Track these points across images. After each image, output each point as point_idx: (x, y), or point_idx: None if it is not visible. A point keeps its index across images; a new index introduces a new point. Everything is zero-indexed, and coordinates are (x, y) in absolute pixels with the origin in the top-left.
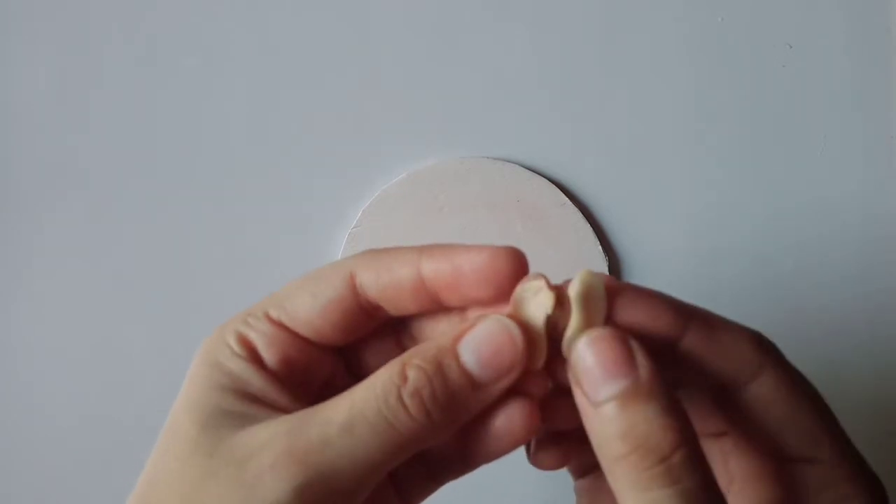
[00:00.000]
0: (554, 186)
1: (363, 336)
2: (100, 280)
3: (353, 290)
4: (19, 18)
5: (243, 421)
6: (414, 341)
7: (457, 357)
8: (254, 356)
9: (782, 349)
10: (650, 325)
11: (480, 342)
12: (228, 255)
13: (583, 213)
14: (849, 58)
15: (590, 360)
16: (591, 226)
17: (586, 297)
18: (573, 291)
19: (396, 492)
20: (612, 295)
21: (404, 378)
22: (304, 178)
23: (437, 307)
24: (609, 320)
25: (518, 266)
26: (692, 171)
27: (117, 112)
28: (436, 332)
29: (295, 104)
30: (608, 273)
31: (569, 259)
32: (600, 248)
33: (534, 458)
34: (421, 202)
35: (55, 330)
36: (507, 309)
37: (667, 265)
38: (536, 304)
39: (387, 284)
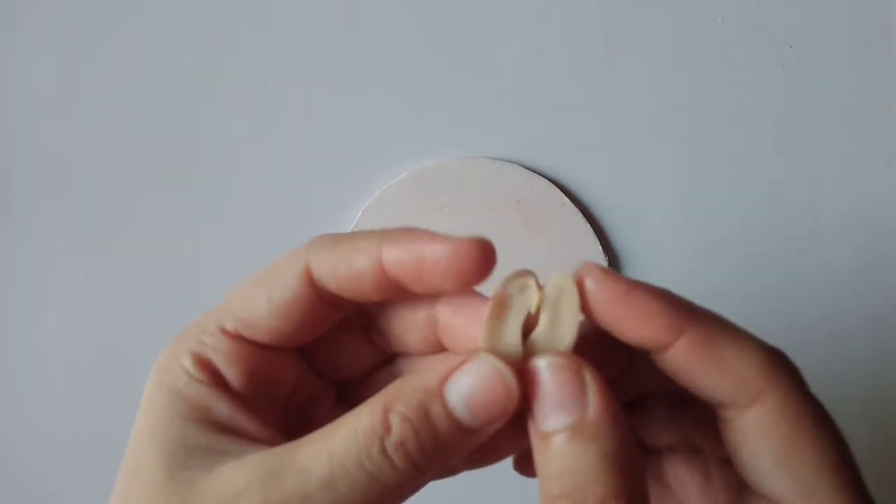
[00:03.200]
0: (554, 186)
1: (328, 328)
2: (100, 280)
3: (311, 285)
4: (19, 18)
5: (213, 458)
6: (381, 334)
7: (445, 403)
8: (215, 378)
9: (781, 348)
10: (637, 326)
11: (471, 390)
12: (229, 254)
13: (583, 212)
14: (849, 58)
15: (541, 386)
16: (591, 226)
17: (556, 303)
18: (547, 293)
19: None
20: (583, 286)
21: (387, 427)
22: (304, 178)
23: (403, 294)
24: (587, 319)
25: (486, 259)
26: (692, 172)
27: (117, 112)
28: (405, 327)
29: (295, 104)
30: None
31: (568, 259)
32: (600, 247)
33: (517, 465)
34: (421, 202)
35: (55, 330)
36: (486, 311)
37: (666, 265)
38: (520, 305)
39: (346, 276)
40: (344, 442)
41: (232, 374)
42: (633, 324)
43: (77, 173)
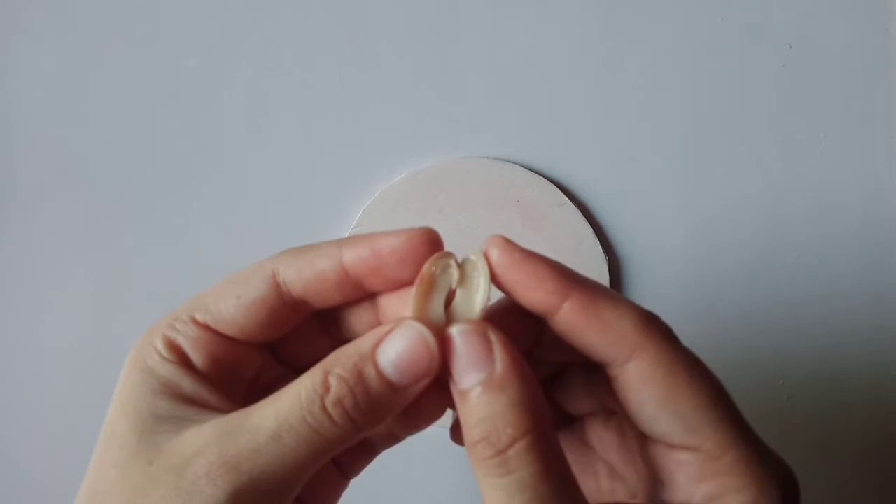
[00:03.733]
0: (554, 186)
1: (290, 330)
2: (100, 280)
3: (276, 287)
4: (20, 18)
5: (178, 424)
6: (340, 331)
7: (376, 365)
8: (182, 359)
9: (781, 348)
10: (530, 289)
11: (398, 351)
12: (229, 255)
13: (582, 212)
14: (849, 58)
15: (456, 350)
16: (591, 225)
17: (468, 277)
18: (464, 266)
19: (336, 467)
20: (489, 257)
21: (326, 387)
22: (304, 179)
23: (362, 294)
24: (494, 286)
25: (434, 245)
26: (692, 171)
27: (118, 113)
28: (361, 323)
29: (295, 104)
30: (607, 272)
31: (568, 258)
32: (600, 247)
33: (453, 435)
34: (421, 202)
35: (55, 330)
36: (414, 289)
37: (666, 264)
38: (443, 281)
39: (310, 278)
40: (288, 402)
41: (197, 358)
42: (527, 287)
43: (77, 173)
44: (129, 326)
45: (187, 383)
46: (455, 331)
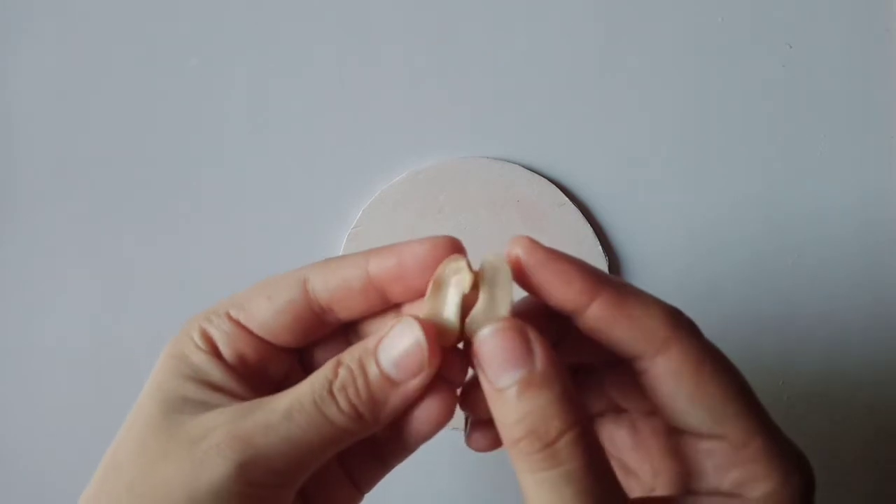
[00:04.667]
0: (554, 186)
1: (317, 339)
2: (100, 280)
3: (306, 294)
4: (20, 19)
5: (202, 407)
6: (357, 336)
7: (376, 359)
8: (214, 350)
9: (781, 348)
10: (559, 288)
11: (395, 347)
12: (230, 255)
13: (582, 212)
14: (849, 58)
15: (491, 349)
16: (591, 225)
17: (490, 276)
18: (483, 272)
19: (350, 480)
20: (516, 258)
21: (336, 375)
22: (304, 179)
23: (385, 305)
24: (518, 285)
25: (457, 252)
26: (692, 171)
27: (118, 113)
28: (377, 326)
29: (295, 104)
30: (607, 272)
31: None
32: (600, 247)
33: (468, 440)
34: (421, 202)
35: (55, 330)
36: (427, 292)
37: (666, 264)
38: (456, 283)
39: (336, 286)
40: (305, 385)
41: (227, 351)
42: (555, 287)
43: (77, 173)
44: (129, 326)
45: (216, 372)
46: (487, 331)
